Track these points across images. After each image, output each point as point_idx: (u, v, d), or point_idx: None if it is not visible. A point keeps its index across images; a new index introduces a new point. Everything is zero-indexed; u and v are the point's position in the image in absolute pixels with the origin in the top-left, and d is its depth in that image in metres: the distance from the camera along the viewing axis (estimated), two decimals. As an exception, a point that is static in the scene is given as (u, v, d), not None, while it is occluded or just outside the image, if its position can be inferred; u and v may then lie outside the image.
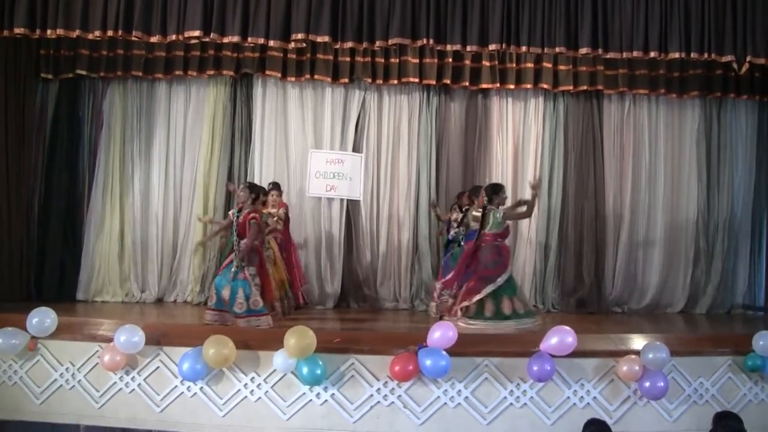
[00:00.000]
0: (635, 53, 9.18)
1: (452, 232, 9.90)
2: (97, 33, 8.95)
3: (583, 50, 9.15)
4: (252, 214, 8.36)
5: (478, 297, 8.22)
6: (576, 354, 7.04)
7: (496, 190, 8.65)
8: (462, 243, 9.44)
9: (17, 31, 8.90)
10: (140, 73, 11.12)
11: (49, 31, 8.94)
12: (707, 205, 11.59)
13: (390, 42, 9.10)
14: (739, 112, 11.73)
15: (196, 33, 8.87)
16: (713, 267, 11.51)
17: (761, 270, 11.57)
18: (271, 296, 8.58)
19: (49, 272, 10.89)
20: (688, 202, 11.60)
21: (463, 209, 9.64)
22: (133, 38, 9.08)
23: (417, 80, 11.16)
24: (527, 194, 10.88)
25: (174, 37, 8.97)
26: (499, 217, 8.43)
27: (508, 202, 8.87)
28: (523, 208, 8.77)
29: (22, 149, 10.61)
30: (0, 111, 10.14)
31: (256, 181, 10.70)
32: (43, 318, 7.27)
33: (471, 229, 8.90)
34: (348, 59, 11.09)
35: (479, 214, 8.60)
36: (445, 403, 7.06)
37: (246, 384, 7.09)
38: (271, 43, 9.08)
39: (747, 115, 11.71)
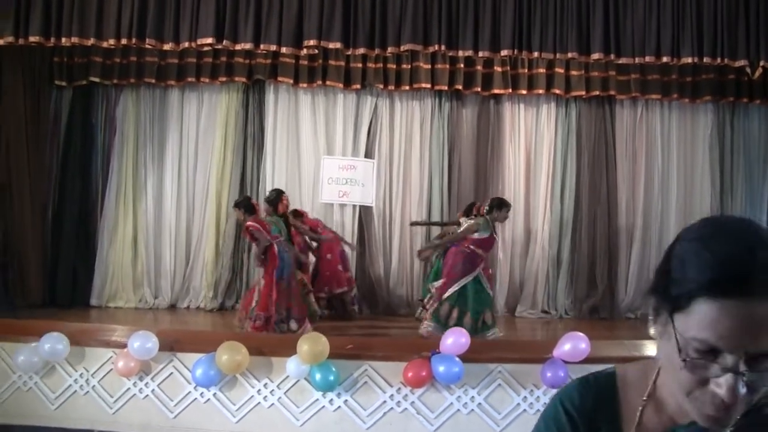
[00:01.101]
0: (647, 58, 9.15)
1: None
2: (111, 41, 8.99)
3: (595, 55, 9.13)
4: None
5: (442, 298, 8.45)
6: (589, 360, 7.01)
7: (501, 205, 8.70)
8: None
9: (32, 39, 8.94)
10: (153, 80, 11.15)
11: (63, 39, 8.98)
12: (720, 210, 11.52)
13: (402, 48, 9.11)
14: (752, 117, 11.68)
15: (209, 40, 8.90)
16: (726, 272, 11.43)
17: (775, 275, 11.47)
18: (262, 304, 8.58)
19: (63, 278, 10.92)
20: (701, 207, 11.56)
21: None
22: (147, 46, 9.13)
23: (429, 86, 11.16)
24: (540, 200, 10.98)
25: (187, 44, 9.01)
26: (485, 227, 8.51)
27: (511, 214, 9.05)
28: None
29: (37, 156, 10.67)
30: (15, 118, 10.20)
31: (268, 187, 10.77)
32: (54, 344, 7.24)
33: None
34: (360, 65, 11.10)
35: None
36: (459, 410, 7.05)
37: (259, 390, 7.10)
38: (284, 49, 9.11)
39: (760, 120, 11.66)
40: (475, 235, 8.54)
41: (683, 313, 1.30)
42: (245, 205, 8.79)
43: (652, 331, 1.41)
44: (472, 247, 8.55)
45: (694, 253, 1.31)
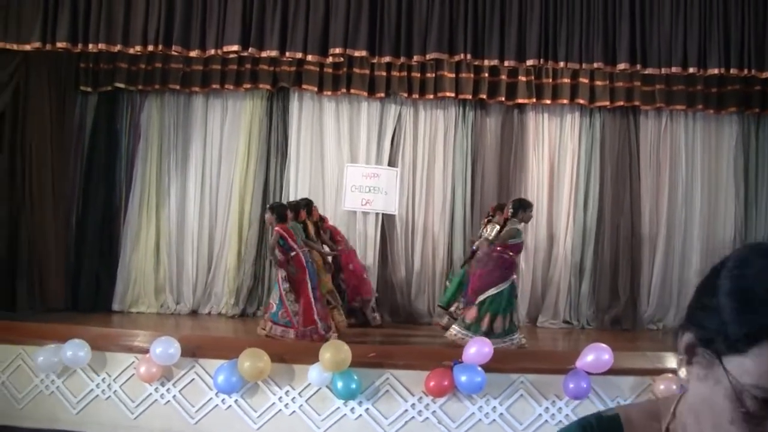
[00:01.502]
0: (674, 69, 9.10)
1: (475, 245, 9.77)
2: (138, 48, 9.04)
3: (621, 65, 9.09)
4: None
5: (473, 305, 8.44)
6: (612, 372, 6.99)
7: (525, 206, 8.73)
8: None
9: (60, 45, 9.01)
10: (177, 87, 11.20)
11: (90, 46, 9.04)
12: (744, 222, 11.46)
13: (428, 57, 9.11)
14: (777, 129, 11.61)
15: (235, 47, 8.93)
16: (749, 285, 11.35)
17: (800, 289, 11.36)
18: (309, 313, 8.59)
19: (86, 283, 10.98)
20: (725, 219, 11.48)
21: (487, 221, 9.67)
22: (173, 53, 9.18)
23: (453, 95, 11.14)
24: (563, 210, 10.95)
25: (213, 51, 9.05)
26: (519, 228, 8.53)
27: (533, 220, 9.00)
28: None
29: (61, 161, 10.74)
30: (40, 123, 10.26)
31: (291, 194, 10.80)
32: (76, 351, 7.27)
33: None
34: (384, 74, 11.09)
35: (498, 227, 8.77)
36: (480, 420, 7.03)
37: (281, 397, 7.10)
38: (309, 57, 9.13)
39: (786, 131, 11.59)
40: (512, 241, 8.55)
41: (739, 355, 1.17)
42: (279, 213, 8.82)
43: (683, 372, 1.29)
44: (510, 253, 8.58)
45: (760, 288, 1.17)
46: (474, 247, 9.44)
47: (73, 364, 7.27)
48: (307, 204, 9.72)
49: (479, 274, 8.70)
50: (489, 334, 8.14)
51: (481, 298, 8.44)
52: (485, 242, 8.86)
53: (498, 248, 8.58)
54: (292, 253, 8.54)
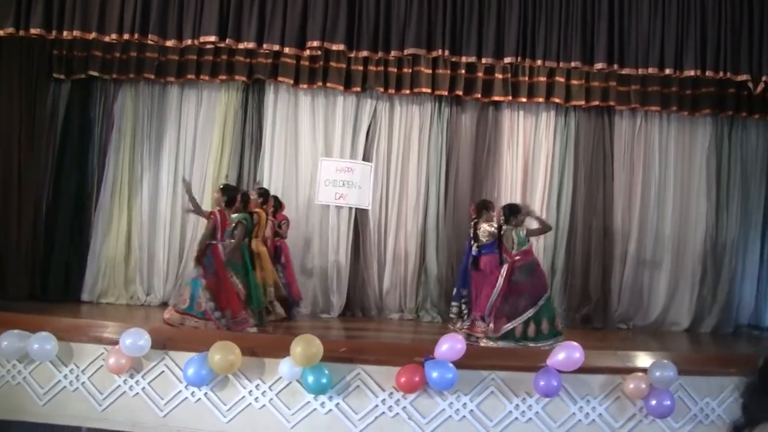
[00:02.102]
0: (650, 70, 9.18)
1: (474, 249, 9.60)
2: (114, 36, 8.96)
3: (599, 65, 9.14)
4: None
5: (521, 319, 8.39)
6: (582, 370, 7.01)
7: (514, 211, 8.84)
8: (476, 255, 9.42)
9: (33, 31, 8.91)
10: (152, 76, 11.13)
11: (65, 33, 8.96)
12: (716, 224, 11.57)
13: (405, 52, 9.12)
14: (750, 132, 11.71)
15: (212, 38, 8.89)
16: (720, 286, 11.49)
17: (768, 289, 11.51)
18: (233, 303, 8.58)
19: (55, 272, 10.88)
20: (697, 220, 11.58)
21: (472, 223, 9.61)
22: (149, 42, 9.09)
23: (429, 91, 11.15)
24: (536, 208, 10.97)
25: (189, 41, 9.01)
26: (523, 235, 8.59)
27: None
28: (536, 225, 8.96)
29: (33, 148, 10.61)
30: (12, 110, 10.17)
31: (265, 186, 10.76)
32: (43, 344, 7.17)
33: (484, 243, 8.99)
34: (361, 68, 11.10)
35: (492, 230, 8.75)
36: (450, 416, 7.01)
37: (251, 391, 7.05)
38: (286, 50, 9.10)
39: (758, 135, 11.69)
40: (524, 248, 8.74)
41: None
42: (230, 196, 8.79)
43: None
44: (532, 258, 8.86)
45: None
46: (475, 254, 9.38)
47: (40, 358, 7.18)
48: (261, 194, 9.70)
49: (529, 286, 8.72)
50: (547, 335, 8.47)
51: (531, 312, 8.53)
52: (517, 247, 8.82)
53: (519, 257, 8.67)
54: (212, 242, 8.54)
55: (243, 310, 8.54)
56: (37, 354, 7.11)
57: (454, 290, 9.77)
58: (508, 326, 8.48)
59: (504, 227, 8.75)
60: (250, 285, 8.76)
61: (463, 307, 9.52)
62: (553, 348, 7.41)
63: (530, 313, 8.48)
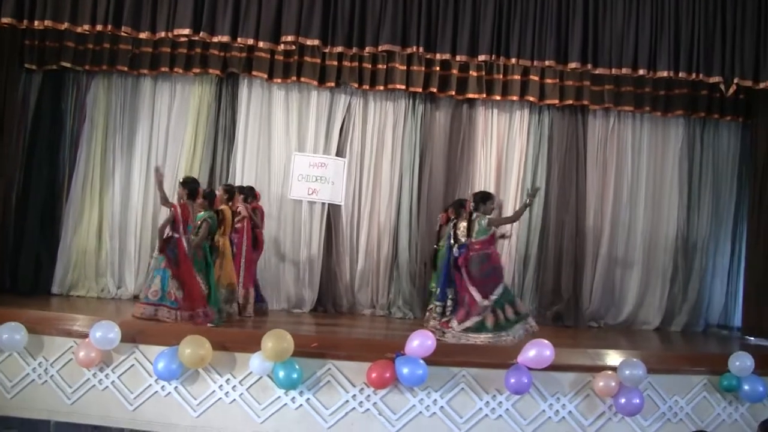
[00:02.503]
0: (624, 70, 9.23)
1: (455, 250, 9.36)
2: (86, 27, 8.88)
3: (573, 64, 9.17)
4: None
5: (478, 317, 8.38)
6: (553, 368, 7.05)
7: (485, 198, 8.80)
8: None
9: (4, 20, 8.81)
10: (125, 68, 11.04)
11: (36, 23, 8.87)
12: (687, 223, 11.66)
13: (380, 48, 9.09)
14: (722, 133, 11.82)
15: (186, 31, 8.82)
16: (690, 285, 11.59)
17: (738, 290, 11.59)
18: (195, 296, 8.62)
19: (25, 264, 10.76)
20: (668, 219, 11.67)
21: (452, 224, 9.57)
22: (122, 33, 9.02)
23: (403, 87, 11.15)
24: (509, 206, 10.99)
25: (163, 34, 8.94)
26: (484, 224, 8.52)
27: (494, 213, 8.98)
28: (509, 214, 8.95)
29: (2, 139, 10.46)
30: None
31: (238, 181, 10.72)
32: (12, 333, 7.10)
33: (464, 243, 8.94)
34: (335, 63, 11.07)
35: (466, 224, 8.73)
36: (421, 412, 7.05)
37: (221, 385, 7.05)
38: (261, 44, 9.06)
39: (730, 136, 11.81)
40: (483, 237, 8.65)
41: None
42: (191, 189, 8.90)
43: None
44: (492, 247, 8.70)
45: None
46: (456, 254, 9.11)
47: (8, 348, 7.12)
48: (227, 190, 9.66)
49: (482, 274, 8.65)
50: (506, 323, 8.41)
51: (493, 297, 8.49)
52: (476, 235, 8.80)
53: (477, 246, 8.61)
54: (176, 236, 8.57)
55: (202, 306, 8.54)
56: (5, 344, 7.04)
57: (438, 290, 9.68)
58: (475, 318, 8.47)
59: (474, 215, 8.71)
60: (210, 283, 8.80)
61: (449, 304, 9.42)
62: (522, 341, 7.49)
63: (486, 303, 8.47)
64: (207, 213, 8.86)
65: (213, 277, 8.90)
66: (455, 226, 9.24)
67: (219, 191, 9.58)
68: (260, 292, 10.25)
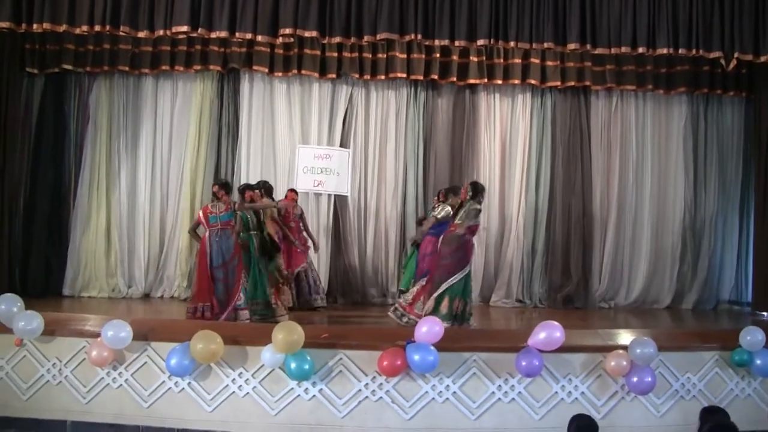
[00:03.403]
0: (623, 49, 9.23)
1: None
2: (84, 28, 8.92)
3: (572, 45, 9.17)
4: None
5: (436, 293, 8.39)
6: (564, 349, 7.04)
7: (480, 189, 8.76)
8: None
9: (2, 24, 8.84)
10: (126, 68, 11.08)
11: (35, 26, 8.91)
12: (694, 201, 11.65)
13: (378, 37, 9.10)
14: (726, 109, 11.80)
15: (184, 28, 8.85)
16: (700, 263, 11.59)
17: (748, 265, 11.58)
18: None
19: (35, 267, 10.84)
20: (675, 198, 11.66)
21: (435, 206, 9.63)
22: (121, 33, 9.05)
23: (404, 75, 11.15)
24: (515, 190, 10.98)
25: (161, 32, 8.97)
26: (473, 212, 8.53)
27: (485, 200, 9.09)
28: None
29: (7, 144, 10.48)
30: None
31: (243, 176, 10.78)
32: (29, 321, 7.14)
33: (436, 223, 8.98)
34: (335, 54, 11.07)
35: (449, 210, 8.76)
36: (433, 398, 7.04)
37: (234, 379, 7.06)
38: (259, 38, 9.08)
39: (734, 112, 11.79)
40: (472, 222, 8.58)
41: None
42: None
43: None
44: (468, 236, 8.60)
45: None
46: (434, 233, 9.19)
47: (26, 335, 7.12)
48: (244, 189, 9.68)
49: (442, 260, 8.62)
50: (447, 316, 8.28)
51: (448, 285, 8.44)
52: (433, 219, 8.95)
53: (459, 230, 8.59)
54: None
55: (205, 301, 8.61)
56: (22, 332, 7.06)
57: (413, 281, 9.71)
58: (430, 303, 8.47)
59: (469, 203, 8.70)
60: (254, 277, 9.07)
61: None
62: None
63: (444, 287, 8.45)
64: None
65: (255, 271, 9.03)
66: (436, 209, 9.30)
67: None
68: None
